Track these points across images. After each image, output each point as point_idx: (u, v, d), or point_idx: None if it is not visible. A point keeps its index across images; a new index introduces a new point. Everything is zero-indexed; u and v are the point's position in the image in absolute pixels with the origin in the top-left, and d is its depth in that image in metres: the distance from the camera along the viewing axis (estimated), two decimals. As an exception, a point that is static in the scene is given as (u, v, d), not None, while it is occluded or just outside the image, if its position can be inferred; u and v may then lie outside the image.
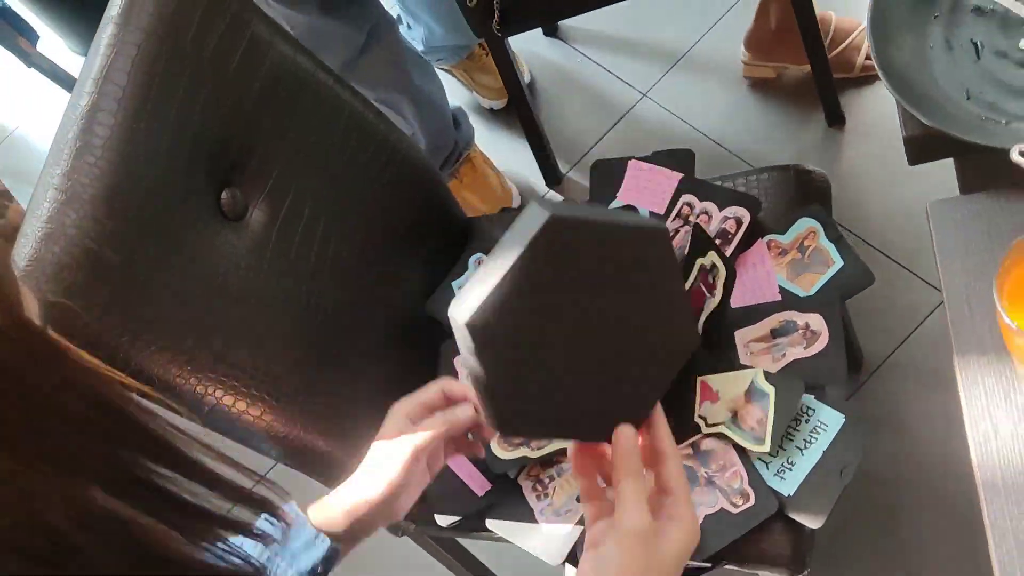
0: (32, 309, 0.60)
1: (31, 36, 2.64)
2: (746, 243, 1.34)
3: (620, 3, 1.78)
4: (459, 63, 2.29)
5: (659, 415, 0.79)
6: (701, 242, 1.28)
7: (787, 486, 1.19)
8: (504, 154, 2.25)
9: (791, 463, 1.20)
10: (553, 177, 2.20)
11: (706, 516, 1.21)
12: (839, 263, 1.29)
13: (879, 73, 0.95)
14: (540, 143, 2.13)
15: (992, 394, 0.84)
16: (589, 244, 0.71)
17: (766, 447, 1.19)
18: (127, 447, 0.61)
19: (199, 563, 0.65)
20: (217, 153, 1.19)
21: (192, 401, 1.13)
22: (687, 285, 1.28)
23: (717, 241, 1.32)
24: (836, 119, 2.04)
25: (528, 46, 2.34)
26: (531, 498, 1.30)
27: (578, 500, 1.26)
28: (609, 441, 0.76)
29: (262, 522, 0.79)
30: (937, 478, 1.69)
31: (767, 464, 1.21)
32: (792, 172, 1.40)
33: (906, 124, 0.96)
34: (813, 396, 1.22)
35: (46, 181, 1.06)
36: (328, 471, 1.28)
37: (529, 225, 0.69)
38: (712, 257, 1.27)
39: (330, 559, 1.05)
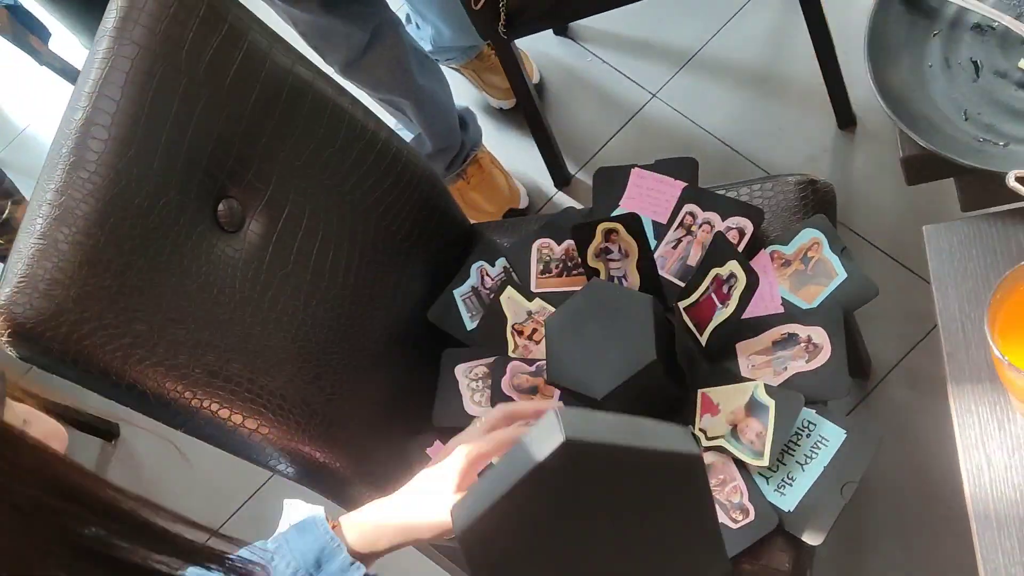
0: None
1: (43, 34, 2.64)
2: (749, 254, 1.32)
3: (633, 3, 1.77)
4: (468, 63, 2.27)
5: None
6: (721, 251, 1.27)
7: (787, 502, 1.18)
8: (513, 154, 2.24)
9: (791, 478, 1.19)
10: (561, 178, 2.19)
11: (705, 531, 1.20)
12: (842, 275, 1.28)
13: (875, 92, 0.93)
14: (548, 145, 2.11)
15: (986, 424, 0.83)
16: (607, 468, 0.66)
17: (765, 461, 1.18)
18: (86, 525, 0.60)
19: None
20: (214, 164, 1.18)
21: (187, 415, 1.13)
22: (698, 295, 1.27)
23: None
24: (847, 121, 2.02)
25: (538, 45, 2.32)
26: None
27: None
28: None
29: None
30: (945, 487, 1.67)
31: (767, 479, 1.20)
32: (796, 182, 1.38)
33: (903, 144, 0.94)
34: (814, 411, 1.21)
35: (40, 196, 1.06)
36: (331, 484, 1.27)
37: (543, 441, 0.64)
38: (732, 267, 1.26)
39: None
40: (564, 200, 2.20)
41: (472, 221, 1.56)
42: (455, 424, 1.24)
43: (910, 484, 1.71)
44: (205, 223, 1.18)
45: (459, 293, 1.45)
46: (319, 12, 1.77)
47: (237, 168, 1.21)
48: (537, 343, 1.37)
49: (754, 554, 1.19)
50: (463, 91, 2.30)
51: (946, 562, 1.64)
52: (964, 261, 0.89)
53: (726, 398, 1.25)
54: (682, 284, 1.33)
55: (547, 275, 1.42)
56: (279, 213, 1.25)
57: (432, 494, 1.00)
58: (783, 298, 1.30)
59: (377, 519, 1.04)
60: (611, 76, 2.30)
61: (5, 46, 2.59)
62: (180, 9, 1.14)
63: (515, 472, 0.65)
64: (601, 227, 1.32)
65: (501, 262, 1.45)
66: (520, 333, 1.40)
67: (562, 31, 2.36)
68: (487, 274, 1.45)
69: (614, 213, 1.42)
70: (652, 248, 1.35)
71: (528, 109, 2.04)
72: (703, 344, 1.28)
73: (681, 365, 1.27)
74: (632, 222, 1.31)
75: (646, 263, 1.32)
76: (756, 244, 1.33)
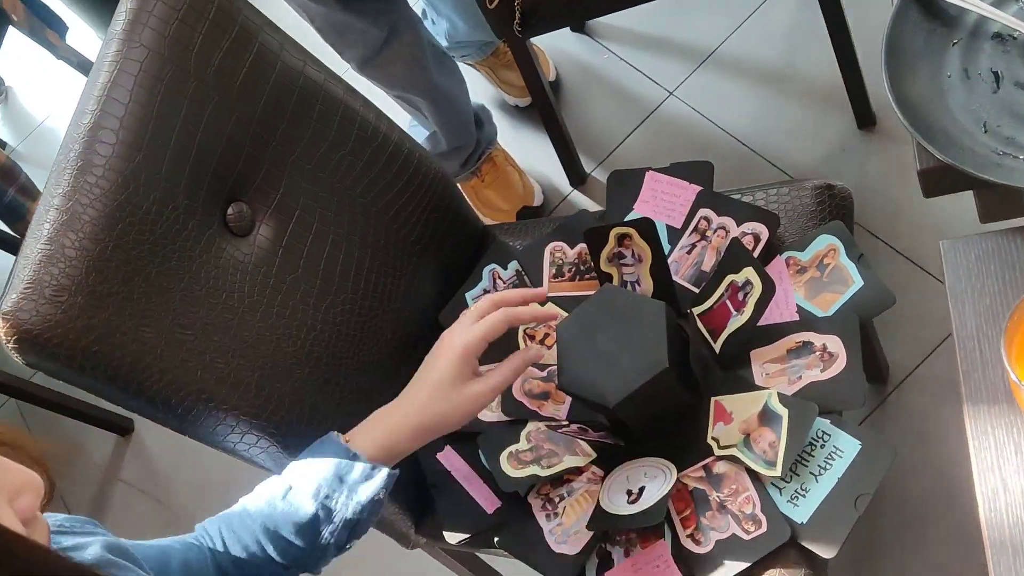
0: None
1: (60, 28, 2.65)
2: (764, 260, 1.30)
3: (648, 2, 1.75)
4: (484, 60, 2.26)
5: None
6: (737, 258, 1.25)
7: (800, 513, 1.17)
8: (529, 152, 2.23)
9: (805, 489, 1.17)
10: (577, 176, 2.17)
11: (717, 542, 1.19)
12: (859, 283, 1.26)
13: (892, 103, 0.91)
14: (564, 144, 2.10)
15: (1002, 447, 0.81)
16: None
17: (777, 471, 1.16)
18: None
19: None
20: (223, 168, 1.17)
21: (195, 422, 1.12)
22: (713, 301, 1.26)
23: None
24: (866, 121, 1.99)
25: (554, 42, 2.31)
26: (540, 517, 1.28)
27: (588, 527, 1.24)
28: None
29: None
30: (961, 495, 1.65)
31: (780, 490, 1.18)
32: (813, 187, 1.36)
33: (920, 156, 0.92)
34: (829, 421, 1.19)
35: (47, 201, 1.06)
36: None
37: None
38: (748, 273, 1.24)
39: (390, 485, 1.06)
40: (579, 198, 2.18)
41: (486, 219, 1.55)
42: (466, 429, 1.23)
43: (925, 490, 1.69)
44: (214, 227, 1.17)
45: (471, 296, 1.44)
46: (335, 7, 1.75)
47: (247, 171, 1.20)
48: (549, 348, 1.36)
49: (766, 566, 1.17)
50: (479, 88, 2.29)
51: (961, 570, 1.62)
52: (982, 278, 0.87)
53: (740, 406, 1.23)
54: (696, 290, 1.32)
55: (559, 279, 1.41)
56: (289, 217, 1.24)
57: (435, 386, 1.07)
58: (798, 305, 1.28)
59: (387, 426, 1.07)
60: (628, 73, 2.28)
61: (22, 40, 2.59)
62: (189, 12, 1.13)
63: None
64: (614, 232, 1.31)
65: (513, 265, 1.44)
66: (532, 337, 1.38)
67: (579, 28, 2.35)
68: (499, 277, 1.44)
69: (628, 217, 1.40)
70: (666, 253, 1.34)
71: (543, 108, 2.02)
72: (717, 351, 1.27)
73: (695, 372, 1.25)
74: (646, 227, 1.29)
75: (660, 268, 1.31)
76: (771, 250, 1.31)
